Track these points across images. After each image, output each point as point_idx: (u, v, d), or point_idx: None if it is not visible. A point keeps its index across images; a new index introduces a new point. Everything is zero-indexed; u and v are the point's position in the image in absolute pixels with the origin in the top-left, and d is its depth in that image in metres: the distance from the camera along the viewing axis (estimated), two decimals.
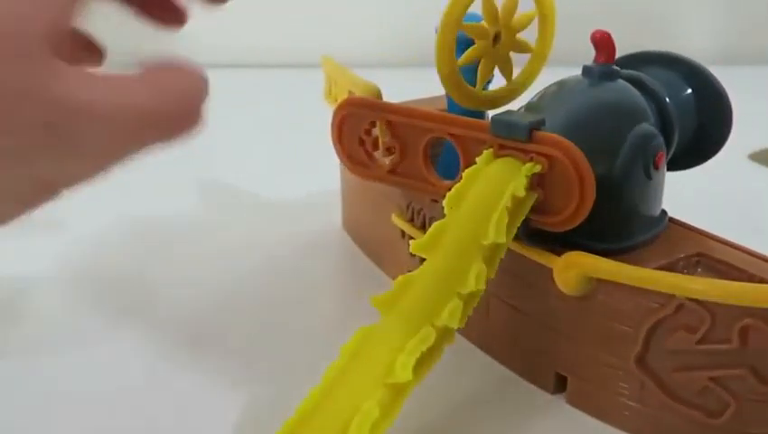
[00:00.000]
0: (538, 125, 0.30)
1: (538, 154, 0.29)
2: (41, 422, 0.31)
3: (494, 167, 0.29)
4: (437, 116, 0.33)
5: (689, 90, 0.36)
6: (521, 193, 0.28)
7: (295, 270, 0.43)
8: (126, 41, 0.88)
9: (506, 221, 0.28)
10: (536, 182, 0.29)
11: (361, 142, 0.36)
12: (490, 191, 0.29)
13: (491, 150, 0.30)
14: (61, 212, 0.51)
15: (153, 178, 0.57)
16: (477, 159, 0.30)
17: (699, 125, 0.36)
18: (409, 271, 0.39)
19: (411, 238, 0.38)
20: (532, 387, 0.33)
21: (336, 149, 0.37)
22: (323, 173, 0.53)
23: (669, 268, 0.30)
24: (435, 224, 0.29)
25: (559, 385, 0.32)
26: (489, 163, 0.30)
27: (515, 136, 0.29)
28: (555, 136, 0.29)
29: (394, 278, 0.40)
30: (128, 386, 0.33)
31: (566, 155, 0.28)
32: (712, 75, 0.36)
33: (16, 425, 0.31)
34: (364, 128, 0.35)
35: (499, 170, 0.29)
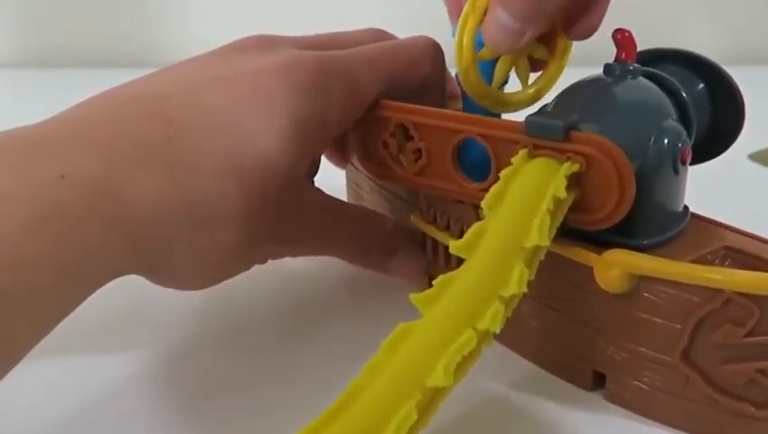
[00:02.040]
0: (574, 124, 0.30)
1: (576, 153, 0.29)
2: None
3: (532, 168, 0.29)
4: (467, 117, 0.33)
5: (702, 86, 0.36)
6: (562, 194, 0.28)
7: (305, 276, 0.43)
8: (125, 42, 0.87)
9: (549, 223, 0.28)
10: (573, 181, 0.29)
11: (385, 145, 0.36)
12: (530, 192, 0.29)
13: (525, 150, 0.30)
14: None
15: None
16: (512, 160, 0.30)
17: (712, 120, 0.36)
18: (430, 274, 0.39)
19: (434, 239, 0.38)
20: (568, 385, 0.33)
21: (357, 153, 0.37)
22: (326, 176, 0.53)
23: (699, 262, 0.30)
24: (474, 225, 0.29)
25: (597, 382, 0.32)
26: (525, 163, 0.30)
27: (551, 137, 0.29)
28: (592, 135, 0.29)
29: (411, 280, 0.41)
30: (134, 392, 0.33)
31: (605, 154, 0.29)
32: (723, 70, 0.37)
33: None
34: (390, 131, 0.35)
35: (537, 170, 0.29)
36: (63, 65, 0.84)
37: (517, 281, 0.27)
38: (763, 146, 0.58)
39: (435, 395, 0.26)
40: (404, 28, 0.83)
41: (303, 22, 0.87)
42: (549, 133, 0.29)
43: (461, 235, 0.36)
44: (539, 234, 0.27)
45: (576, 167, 0.29)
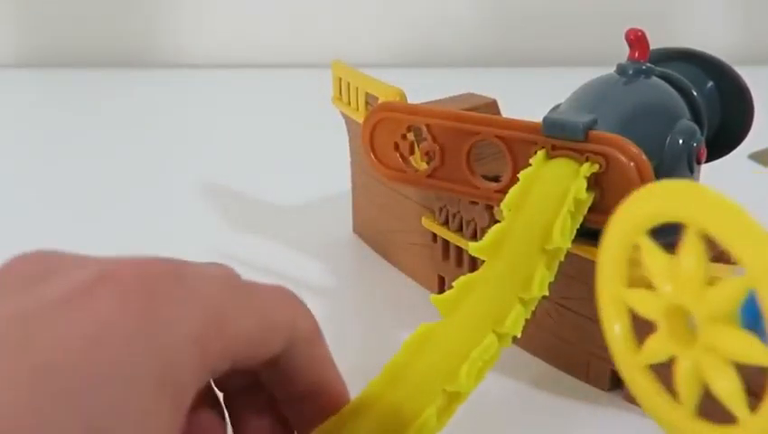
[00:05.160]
0: (592, 124, 0.30)
1: (595, 153, 0.29)
2: None
3: (551, 169, 0.29)
4: (482, 118, 0.33)
5: (711, 84, 0.36)
6: (583, 195, 0.28)
7: (314, 277, 0.43)
8: (125, 42, 0.87)
9: (570, 225, 0.28)
10: (592, 181, 0.29)
11: (396, 147, 0.35)
12: (550, 194, 0.29)
13: (543, 151, 0.30)
14: (68, 217, 0.51)
15: (156, 183, 0.56)
16: (531, 161, 0.30)
17: (722, 118, 0.36)
18: (441, 275, 0.39)
19: (445, 241, 0.38)
20: (585, 385, 0.33)
21: (368, 154, 0.37)
22: (327, 177, 0.53)
23: (716, 261, 0.30)
24: (494, 227, 0.29)
25: (614, 382, 0.32)
26: (544, 164, 0.30)
27: (571, 137, 0.29)
28: (612, 135, 0.29)
29: (422, 282, 0.41)
30: None
31: (625, 154, 0.29)
32: (733, 69, 0.37)
33: None
34: (401, 133, 0.35)
35: (556, 172, 0.29)
36: (63, 65, 0.84)
37: (538, 284, 0.27)
38: (763, 145, 0.58)
39: (455, 399, 0.26)
40: (399, 32, 0.82)
41: (300, 23, 0.88)
42: (569, 133, 0.29)
43: (473, 237, 0.36)
44: (561, 236, 0.27)
45: (595, 168, 0.29)
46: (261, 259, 0.44)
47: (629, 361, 0.22)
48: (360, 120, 0.39)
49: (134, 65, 0.84)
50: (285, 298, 0.24)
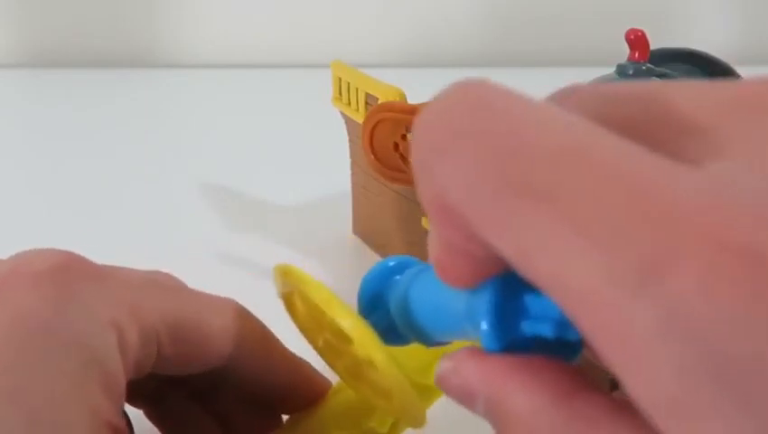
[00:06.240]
0: None
1: None
2: None
3: None
4: None
5: None
6: None
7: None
8: (125, 42, 0.87)
9: None
10: None
11: (396, 147, 0.35)
12: None
13: None
14: (69, 217, 0.51)
15: (156, 183, 0.56)
16: None
17: None
18: None
19: None
20: None
21: (368, 154, 0.37)
22: (327, 177, 0.53)
23: None
24: None
25: (614, 385, 0.32)
26: None
27: None
28: None
29: None
30: None
31: None
32: (733, 69, 0.37)
33: None
34: (401, 133, 0.35)
35: None
36: (63, 65, 0.83)
37: None
38: None
39: (427, 394, 0.25)
40: (399, 32, 0.82)
41: (300, 23, 0.88)
42: None
43: None
44: None
45: None
46: (261, 259, 0.44)
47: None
48: (360, 120, 0.39)
49: (134, 65, 0.84)
50: (226, 309, 0.24)
